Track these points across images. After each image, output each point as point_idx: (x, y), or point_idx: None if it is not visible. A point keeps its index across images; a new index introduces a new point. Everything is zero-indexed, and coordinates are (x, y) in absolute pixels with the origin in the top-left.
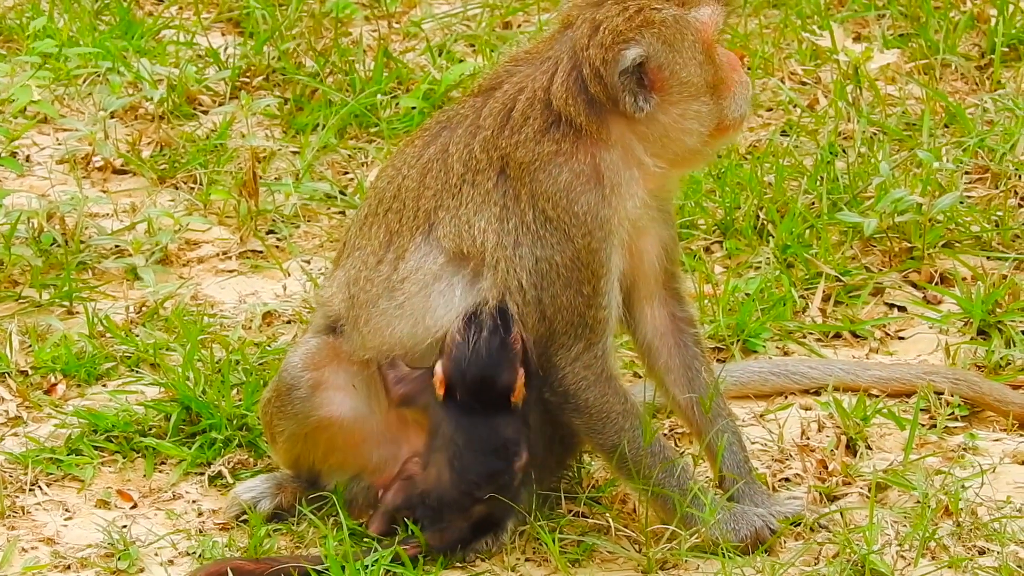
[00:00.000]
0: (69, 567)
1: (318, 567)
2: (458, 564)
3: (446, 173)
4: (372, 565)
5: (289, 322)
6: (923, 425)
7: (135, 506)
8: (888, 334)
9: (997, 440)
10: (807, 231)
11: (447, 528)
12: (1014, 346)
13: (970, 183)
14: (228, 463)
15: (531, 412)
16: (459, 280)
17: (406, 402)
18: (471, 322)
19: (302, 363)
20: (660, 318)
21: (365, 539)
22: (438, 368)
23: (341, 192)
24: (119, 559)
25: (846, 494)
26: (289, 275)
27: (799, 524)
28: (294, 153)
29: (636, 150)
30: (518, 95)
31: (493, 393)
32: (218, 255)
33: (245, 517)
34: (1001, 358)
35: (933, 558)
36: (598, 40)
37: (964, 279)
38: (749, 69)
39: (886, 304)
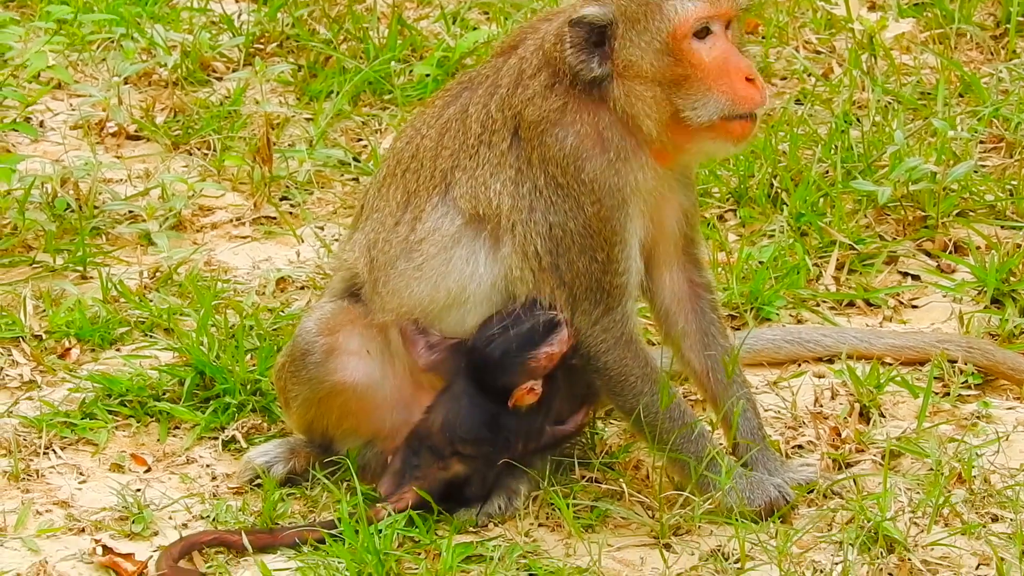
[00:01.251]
0: (83, 530)
1: (332, 531)
2: (471, 528)
3: (464, 133)
4: (385, 529)
5: (303, 288)
6: (936, 393)
7: (149, 470)
8: (902, 302)
9: (1010, 408)
10: (821, 199)
11: (419, 470)
12: None
13: (985, 152)
14: (242, 428)
15: (543, 430)
16: (480, 246)
17: (433, 368)
18: (518, 312)
19: (316, 328)
20: (678, 283)
21: (378, 504)
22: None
23: (355, 159)
24: (133, 522)
25: (859, 461)
26: (303, 241)
27: (812, 491)
28: (308, 120)
29: (627, 115)
30: (530, 49)
31: (488, 383)
32: (232, 221)
33: (259, 481)
34: (1015, 326)
35: (946, 525)
36: None
37: (978, 248)
38: (763, 39)
39: (900, 272)
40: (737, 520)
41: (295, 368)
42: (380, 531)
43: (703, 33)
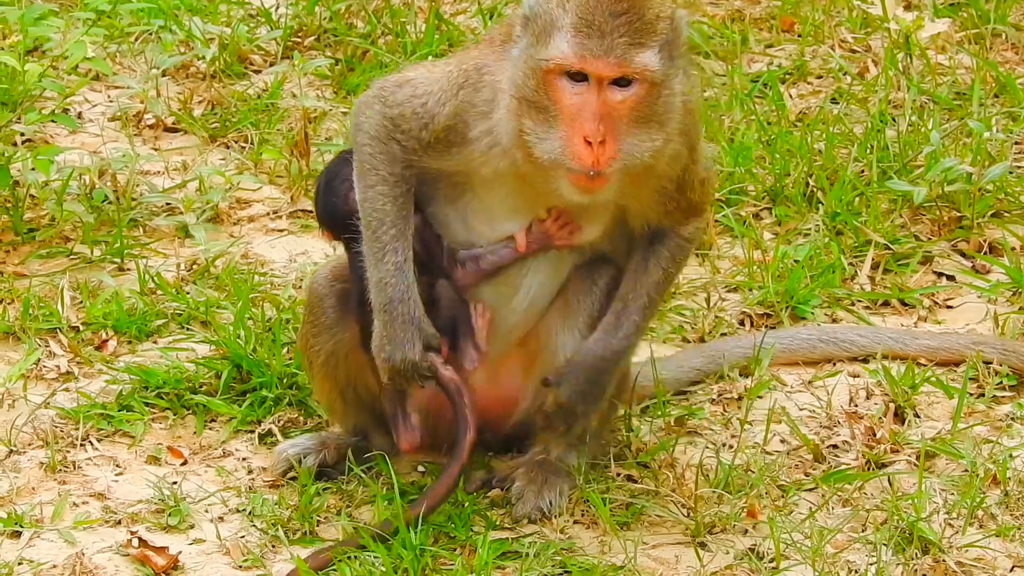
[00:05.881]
0: (120, 522)
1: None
2: (507, 526)
3: None
4: (421, 524)
5: None
6: (971, 394)
7: (185, 463)
8: (937, 303)
9: None
10: (856, 199)
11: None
12: None
13: (1020, 153)
14: (278, 421)
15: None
16: None
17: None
18: None
19: (330, 274)
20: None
21: (412, 498)
22: None
23: None
24: (169, 515)
25: (894, 461)
26: None
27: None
28: (345, 113)
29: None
30: None
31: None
32: (268, 214)
33: (293, 474)
34: None
35: (981, 526)
36: None
37: (1013, 249)
38: (799, 37)
39: (935, 273)
40: (771, 519)
41: (313, 319)
42: (417, 526)
43: (578, 77)
